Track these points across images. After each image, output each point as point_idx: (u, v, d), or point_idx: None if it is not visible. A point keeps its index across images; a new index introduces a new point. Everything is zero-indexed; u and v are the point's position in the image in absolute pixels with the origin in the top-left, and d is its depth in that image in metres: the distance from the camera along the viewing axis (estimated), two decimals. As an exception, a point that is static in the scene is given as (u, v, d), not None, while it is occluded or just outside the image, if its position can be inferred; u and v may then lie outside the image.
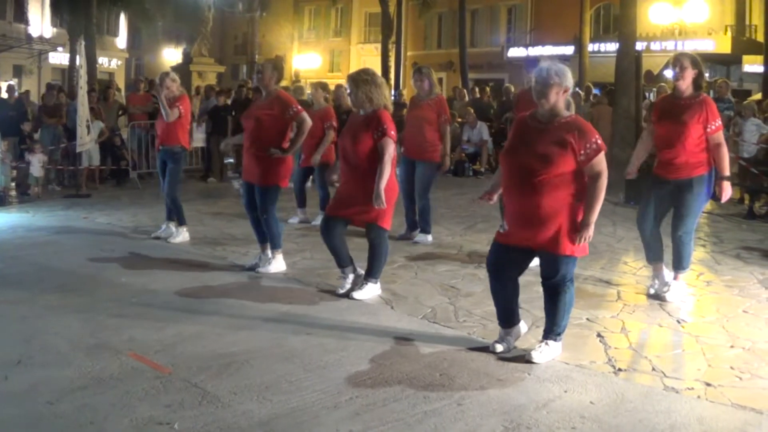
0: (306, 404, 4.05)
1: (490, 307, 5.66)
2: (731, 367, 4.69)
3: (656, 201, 6.22)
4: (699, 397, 4.24)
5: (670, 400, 4.20)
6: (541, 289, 4.85)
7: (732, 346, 5.08)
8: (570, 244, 4.59)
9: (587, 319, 5.63)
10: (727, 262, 7.61)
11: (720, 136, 6.01)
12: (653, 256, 6.37)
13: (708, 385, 4.39)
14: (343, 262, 6.24)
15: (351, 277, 6.25)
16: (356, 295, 6.10)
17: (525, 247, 4.73)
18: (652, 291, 6.35)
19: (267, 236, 7.02)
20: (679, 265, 6.23)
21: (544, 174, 4.51)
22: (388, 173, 5.94)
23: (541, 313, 5.16)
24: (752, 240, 8.85)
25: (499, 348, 4.88)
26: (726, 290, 6.59)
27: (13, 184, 11.25)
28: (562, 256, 4.62)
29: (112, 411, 3.93)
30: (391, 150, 5.95)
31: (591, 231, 4.55)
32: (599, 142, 4.55)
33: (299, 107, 6.93)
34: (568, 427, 3.84)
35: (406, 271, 7.08)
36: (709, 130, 5.93)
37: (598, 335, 5.28)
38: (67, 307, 5.73)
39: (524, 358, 4.72)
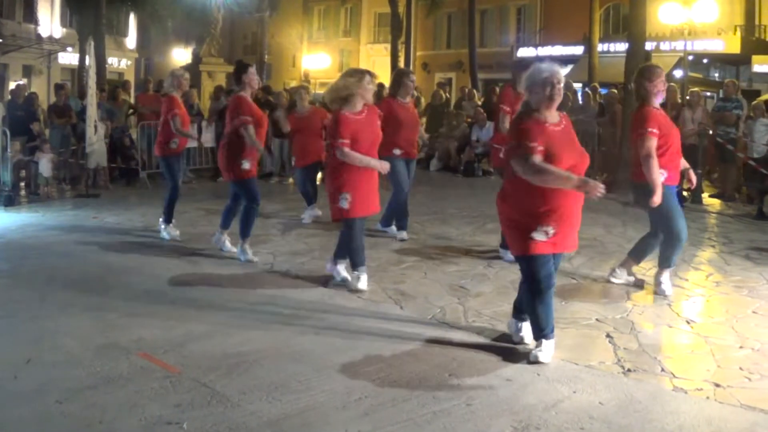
0: (315, 404, 4.06)
1: (500, 308, 5.68)
2: (740, 368, 4.67)
3: None
4: (708, 397, 4.23)
5: (678, 400, 4.19)
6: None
7: (741, 347, 5.06)
8: None
9: (596, 319, 5.63)
10: (736, 263, 7.58)
11: None
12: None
13: (717, 385, 4.38)
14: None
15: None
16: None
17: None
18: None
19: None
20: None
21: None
22: None
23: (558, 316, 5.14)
24: (762, 240, 8.80)
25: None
26: (735, 291, 6.57)
27: (23, 184, 11.29)
28: None
29: (121, 410, 3.95)
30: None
31: None
32: None
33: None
34: (576, 428, 3.84)
35: (415, 271, 7.08)
36: None
37: (607, 336, 5.27)
38: (76, 307, 5.75)
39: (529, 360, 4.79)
